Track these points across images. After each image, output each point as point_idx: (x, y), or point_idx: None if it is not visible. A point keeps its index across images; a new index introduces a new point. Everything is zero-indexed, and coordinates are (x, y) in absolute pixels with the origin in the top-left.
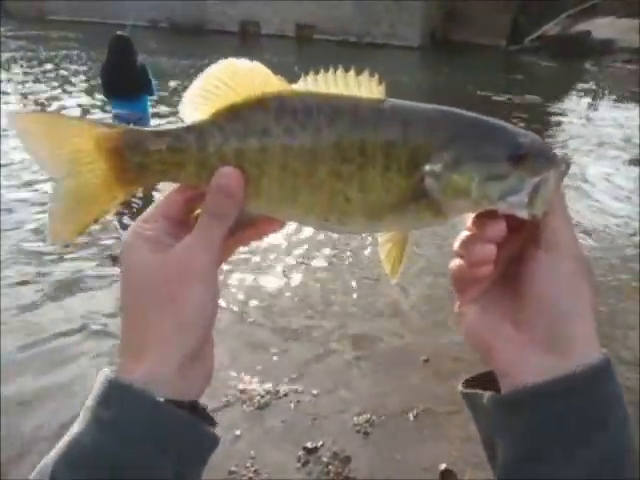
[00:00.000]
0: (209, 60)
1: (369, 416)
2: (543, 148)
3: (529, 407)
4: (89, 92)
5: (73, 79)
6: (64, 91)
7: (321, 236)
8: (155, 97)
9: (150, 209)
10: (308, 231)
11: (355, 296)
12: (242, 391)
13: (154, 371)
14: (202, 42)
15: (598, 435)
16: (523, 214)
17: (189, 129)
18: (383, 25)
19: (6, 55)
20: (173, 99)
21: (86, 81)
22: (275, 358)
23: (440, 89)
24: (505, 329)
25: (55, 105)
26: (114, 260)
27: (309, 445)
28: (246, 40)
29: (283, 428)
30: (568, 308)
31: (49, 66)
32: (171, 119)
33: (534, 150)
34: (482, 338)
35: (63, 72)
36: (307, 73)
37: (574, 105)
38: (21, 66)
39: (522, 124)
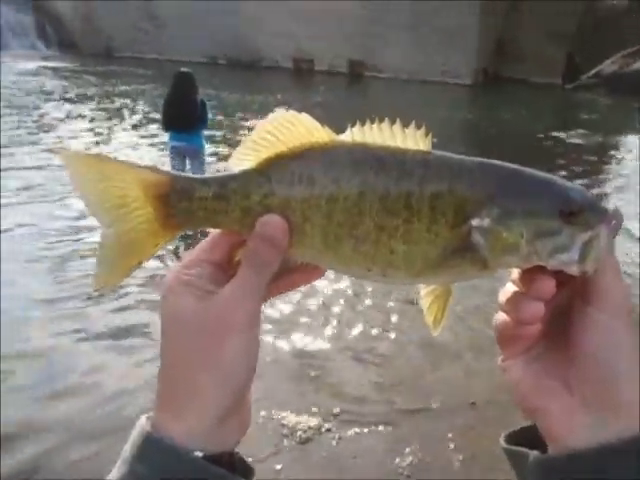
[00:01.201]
0: (264, 96)
1: (412, 459)
2: (594, 203)
3: (577, 471)
4: (148, 124)
5: (136, 113)
6: (128, 124)
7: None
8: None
9: (192, 253)
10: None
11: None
12: (284, 425)
13: (191, 426)
14: (257, 78)
15: None
16: (573, 270)
17: (235, 177)
18: (435, 62)
19: (75, 90)
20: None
21: (147, 114)
22: (318, 394)
23: (492, 127)
24: (553, 388)
25: (117, 137)
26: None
27: None
28: (300, 76)
29: (324, 464)
30: (618, 370)
31: (116, 100)
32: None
33: (585, 205)
34: (529, 396)
35: (128, 104)
36: (358, 114)
37: (632, 144)
38: (90, 100)
39: (578, 164)
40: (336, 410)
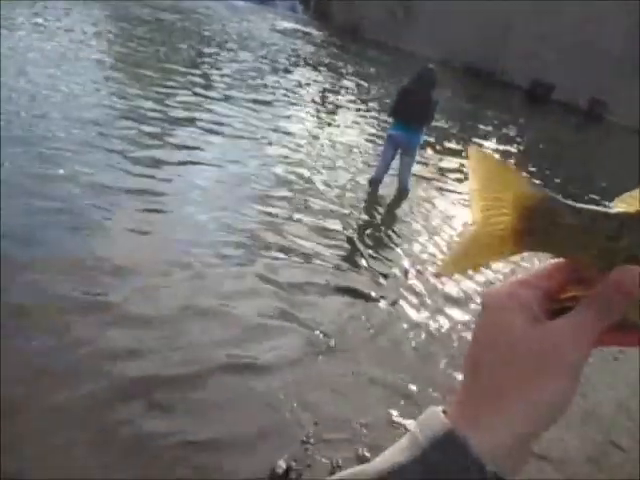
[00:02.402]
0: (495, 112)
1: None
2: None
3: None
4: (371, 108)
5: (362, 91)
6: (351, 102)
7: None
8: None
9: (529, 274)
10: None
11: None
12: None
13: (492, 441)
14: (491, 91)
15: None
16: None
17: (609, 216)
18: None
19: (311, 56)
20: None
21: (375, 99)
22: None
23: None
24: None
25: (341, 112)
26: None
27: None
28: (534, 100)
29: None
30: None
31: (349, 79)
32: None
33: None
34: None
35: (361, 84)
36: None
37: None
38: (326, 69)
39: None
40: None
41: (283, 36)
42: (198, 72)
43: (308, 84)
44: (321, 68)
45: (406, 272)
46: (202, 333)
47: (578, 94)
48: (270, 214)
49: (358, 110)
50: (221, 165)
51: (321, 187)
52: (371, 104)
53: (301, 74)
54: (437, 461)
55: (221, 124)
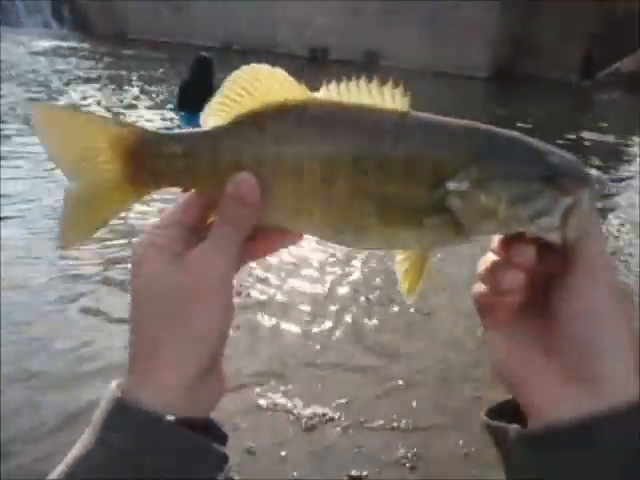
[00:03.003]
0: None
1: (416, 450)
2: (576, 167)
3: (557, 444)
4: (162, 106)
5: (151, 94)
6: (140, 104)
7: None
8: None
9: (164, 215)
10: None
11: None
12: (288, 411)
13: (161, 390)
14: (273, 65)
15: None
16: (554, 237)
17: (206, 134)
18: (450, 54)
19: (87, 72)
20: None
21: (160, 95)
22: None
23: (505, 123)
24: (535, 360)
25: (131, 115)
26: None
27: (353, 473)
28: (314, 64)
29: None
30: (602, 341)
31: (130, 82)
32: None
33: (567, 169)
34: (511, 368)
35: (143, 87)
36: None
37: None
38: (103, 83)
39: (594, 164)
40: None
41: (47, 57)
42: None
43: (90, 102)
44: (102, 81)
45: None
46: None
47: (352, 51)
48: None
49: (151, 109)
50: None
51: None
52: (160, 102)
53: (82, 92)
54: (112, 437)
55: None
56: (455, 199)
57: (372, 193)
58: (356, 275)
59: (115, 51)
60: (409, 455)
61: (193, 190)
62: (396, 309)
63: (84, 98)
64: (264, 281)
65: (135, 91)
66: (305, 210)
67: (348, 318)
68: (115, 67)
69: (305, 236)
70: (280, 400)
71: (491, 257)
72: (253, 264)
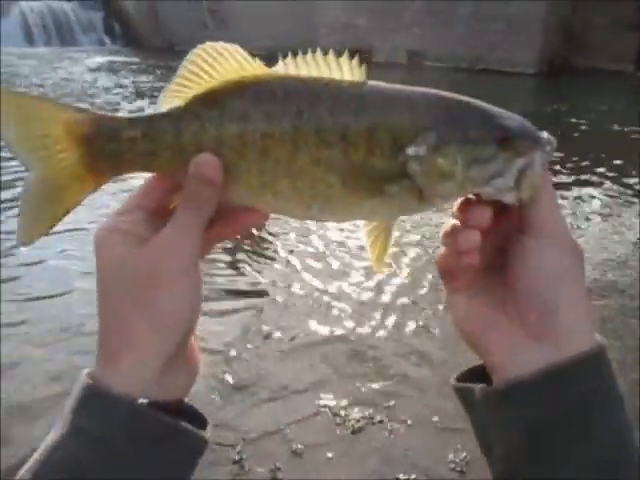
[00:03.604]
0: None
1: (465, 454)
2: (529, 130)
3: (520, 399)
4: None
5: None
6: None
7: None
8: None
9: (126, 200)
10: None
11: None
12: (335, 414)
13: (131, 374)
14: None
15: (596, 425)
16: (509, 198)
17: (164, 116)
18: (497, 51)
19: (133, 87)
20: None
21: None
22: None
23: (559, 119)
24: (496, 320)
25: None
26: None
27: (401, 477)
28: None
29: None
30: (557, 297)
31: None
32: None
33: (520, 132)
34: (472, 329)
35: None
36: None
37: None
38: (149, 97)
39: None
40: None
41: (102, 72)
42: None
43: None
44: (155, 93)
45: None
46: None
47: (395, 51)
48: None
49: None
50: None
51: None
52: None
53: (140, 106)
54: (84, 422)
55: None
56: (414, 164)
57: (335, 164)
58: (402, 278)
59: (165, 63)
60: (458, 460)
61: (154, 174)
62: (444, 311)
63: (140, 110)
64: (311, 286)
65: None
66: (270, 186)
67: (394, 321)
68: (165, 79)
69: (273, 216)
70: (326, 402)
71: (452, 222)
72: (300, 267)
